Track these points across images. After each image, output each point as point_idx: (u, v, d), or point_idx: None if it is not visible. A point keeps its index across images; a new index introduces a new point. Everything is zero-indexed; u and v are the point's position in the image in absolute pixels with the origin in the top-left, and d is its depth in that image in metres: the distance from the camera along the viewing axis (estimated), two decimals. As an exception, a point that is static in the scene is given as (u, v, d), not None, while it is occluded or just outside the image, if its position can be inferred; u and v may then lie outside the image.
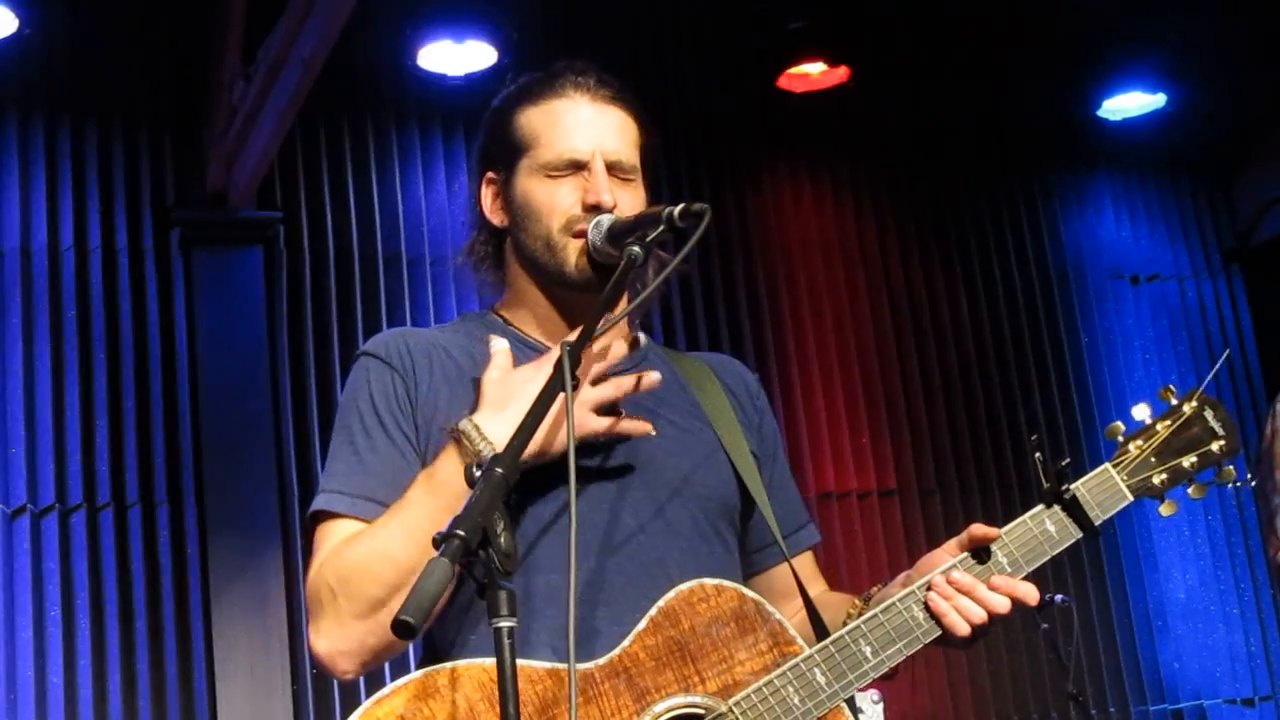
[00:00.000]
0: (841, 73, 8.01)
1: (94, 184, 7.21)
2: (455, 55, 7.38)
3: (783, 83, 8.04)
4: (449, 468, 2.62)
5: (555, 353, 2.59)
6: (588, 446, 2.73)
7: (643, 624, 2.65)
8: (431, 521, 2.51)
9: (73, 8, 7.18)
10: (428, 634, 2.80)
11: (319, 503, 2.77)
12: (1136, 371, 9.28)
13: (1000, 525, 2.81)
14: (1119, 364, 9.27)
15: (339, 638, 2.66)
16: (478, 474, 2.34)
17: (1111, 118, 8.91)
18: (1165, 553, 9.03)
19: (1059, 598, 6.40)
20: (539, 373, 2.64)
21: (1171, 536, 9.02)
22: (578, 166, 2.85)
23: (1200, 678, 8.93)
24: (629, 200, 2.86)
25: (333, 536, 2.74)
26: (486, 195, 2.97)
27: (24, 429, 6.83)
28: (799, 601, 2.93)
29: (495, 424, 2.61)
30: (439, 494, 2.61)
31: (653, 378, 2.75)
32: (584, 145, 2.86)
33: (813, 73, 8.00)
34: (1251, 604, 9.14)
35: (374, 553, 2.64)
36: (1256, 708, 8.98)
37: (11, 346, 6.90)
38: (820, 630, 2.84)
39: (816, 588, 3.01)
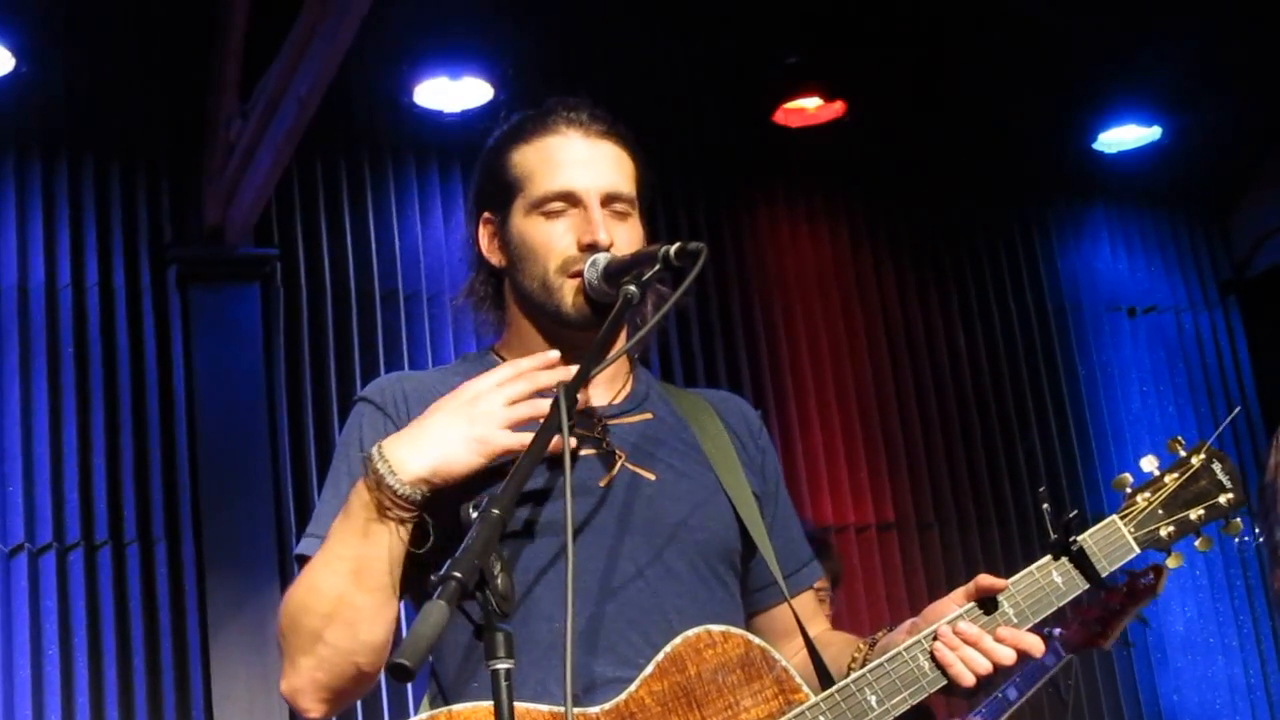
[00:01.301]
0: (838, 107, 8.01)
1: (91, 221, 7.22)
2: (451, 92, 7.38)
3: (779, 117, 8.04)
4: (358, 492, 2.63)
5: (481, 377, 2.67)
6: (583, 490, 2.74)
7: (649, 669, 2.64)
8: (346, 546, 2.60)
9: (70, 45, 7.18)
10: (434, 672, 2.80)
11: (300, 547, 2.79)
12: (1134, 403, 9.28)
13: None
14: (1116, 396, 9.27)
15: (292, 676, 2.68)
16: (474, 514, 2.35)
17: (1108, 150, 8.91)
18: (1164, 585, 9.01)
19: (1058, 631, 6.38)
20: (455, 399, 2.67)
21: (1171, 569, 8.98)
22: (573, 201, 2.84)
23: (1200, 710, 8.91)
24: (626, 235, 2.85)
25: None
26: (484, 236, 2.96)
27: (21, 467, 6.82)
28: (800, 640, 2.92)
29: (399, 446, 2.63)
30: (350, 518, 2.63)
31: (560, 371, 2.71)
32: (579, 181, 2.84)
33: (809, 107, 8.00)
34: (1251, 636, 9.12)
35: (306, 586, 2.67)
36: (1256, 739, 8.98)
37: (9, 384, 6.90)
38: (821, 671, 2.83)
39: (817, 626, 3.00)
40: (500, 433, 2.62)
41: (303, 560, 2.76)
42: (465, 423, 2.62)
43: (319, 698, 2.68)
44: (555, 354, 2.71)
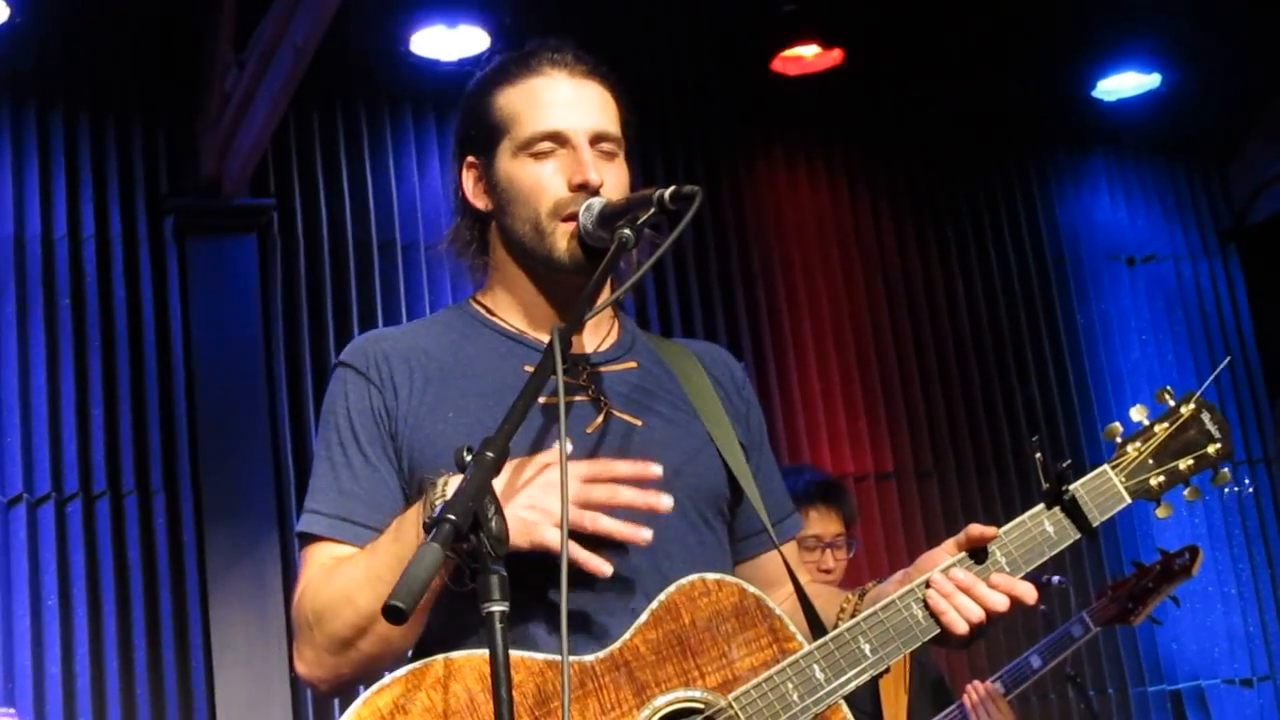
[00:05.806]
0: (836, 55, 7.96)
1: (87, 172, 7.20)
2: (448, 40, 7.34)
3: (777, 65, 7.99)
4: (413, 515, 2.57)
5: (572, 466, 2.54)
6: (576, 444, 2.70)
7: (644, 617, 2.64)
8: (389, 569, 2.46)
9: (65, -6, 7.16)
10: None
11: (301, 524, 2.78)
12: (1133, 352, 9.28)
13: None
14: (1115, 344, 9.27)
15: (315, 666, 2.69)
16: (468, 459, 2.33)
17: (1107, 98, 8.89)
18: (1162, 534, 9.02)
19: (1056, 579, 6.39)
20: (535, 466, 2.56)
21: (1169, 517, 8.97)
22: (561, 142, 2.82)
23: (1198, 658, 8.94)
24: (614, 176, 2.84)
25: (313, 561, 2.74)
26: (468, 179, 2.94)
27: (19, 417, 6.82)
28: (787, 589, 2.91)
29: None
30: (401, 541, 2.57)
31: (653, 472, 2.63)
32: (566, 121, 2.83)
33: (807, 55, 7.95)
34: (1249, 585, 9.14)
35: (341, 593, 2.63)
36: (1255, 688, 8.99)
37: (6, 334, 6.90)
38: (811, 619, 2.83)
39: (802, 577, 2.99)
40: (550, 529, 2.52)
41: (305, 538, 2.76)
42: (527, 499, 2.52)
43: (338, 686, 2.69)
44: (658, 469, 2.62)
